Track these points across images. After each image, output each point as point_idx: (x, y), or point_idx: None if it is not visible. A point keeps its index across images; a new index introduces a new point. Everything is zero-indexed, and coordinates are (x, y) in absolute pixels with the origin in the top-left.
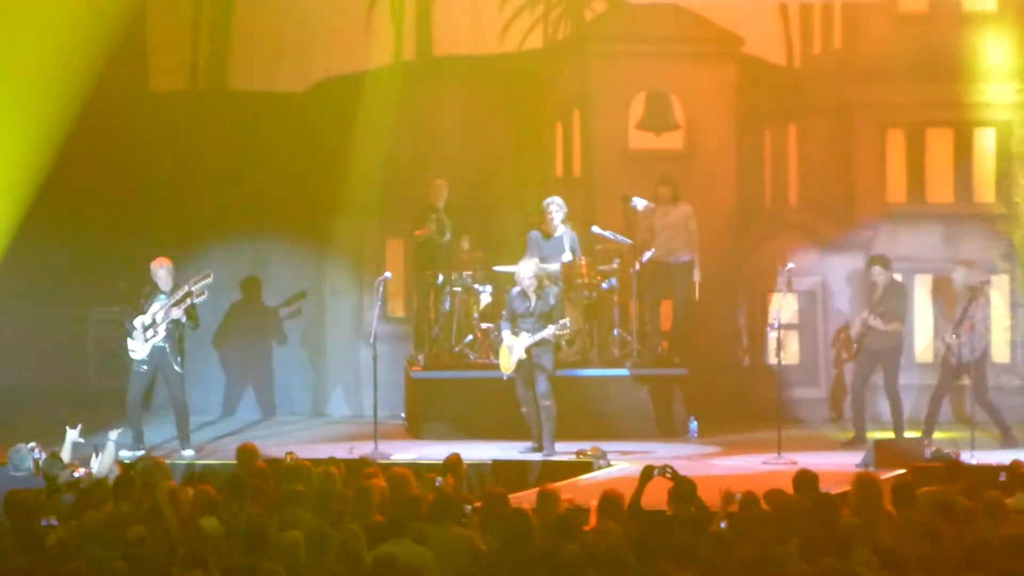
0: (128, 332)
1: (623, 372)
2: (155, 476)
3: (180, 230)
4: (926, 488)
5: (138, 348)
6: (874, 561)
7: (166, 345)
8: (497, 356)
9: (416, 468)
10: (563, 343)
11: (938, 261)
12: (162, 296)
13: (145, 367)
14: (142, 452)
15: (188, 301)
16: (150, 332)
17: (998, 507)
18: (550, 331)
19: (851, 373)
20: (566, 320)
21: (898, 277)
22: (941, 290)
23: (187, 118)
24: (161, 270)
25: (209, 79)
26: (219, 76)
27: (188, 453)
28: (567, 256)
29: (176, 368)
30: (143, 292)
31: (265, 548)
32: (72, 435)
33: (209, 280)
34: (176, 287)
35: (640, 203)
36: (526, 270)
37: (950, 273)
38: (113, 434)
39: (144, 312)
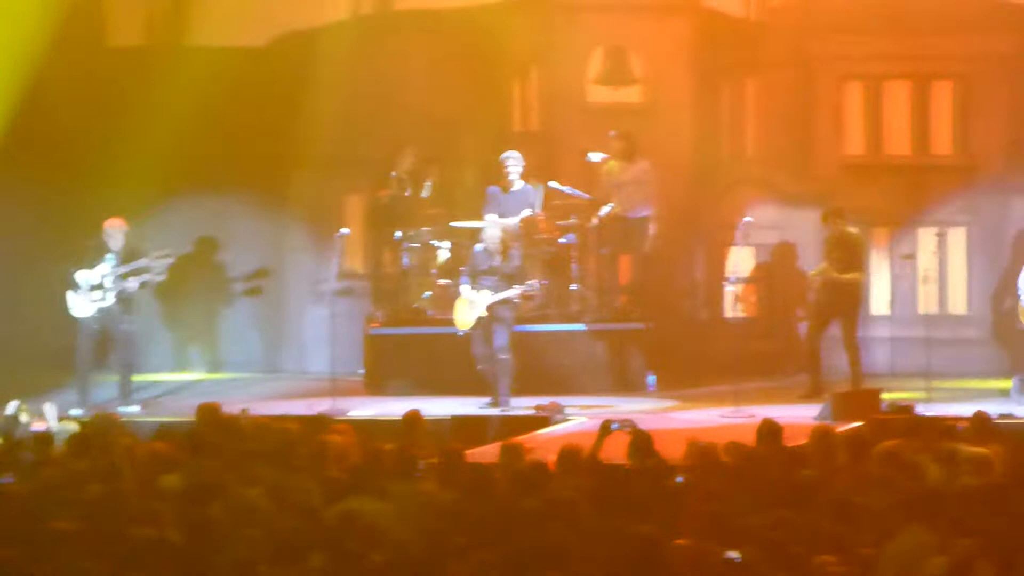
0: (71, 286)
1: (582, 327)
2: (112, 433)
3: (140, 186)
4: (885, 442)
5: (82, 306)
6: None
7: (114, 305)
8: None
9: (375, 425)
10: (526, 298)
11: (896, 213)
12: (110, 256)
13: (94, 325)
14: (87, 411)
15: (146, 276)
16: (97, 294)
17: (951, 458)
18: (517, 291)
19: (809, 325)
20: (535, 281)
21: (854, 229)
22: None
23: (146, 74)
24: (116, 230)
25: (167, 34)
26: (177, 31)
27: (130, 409)
28: (527, 211)
29: (125, 327)
30: (89, 246)
31: (223, 505)
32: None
33: (170, 260)
34: (129, 253)
35: (597, 157)
36: (493, 231)
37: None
38: (48, 407)
39: (88, 268)
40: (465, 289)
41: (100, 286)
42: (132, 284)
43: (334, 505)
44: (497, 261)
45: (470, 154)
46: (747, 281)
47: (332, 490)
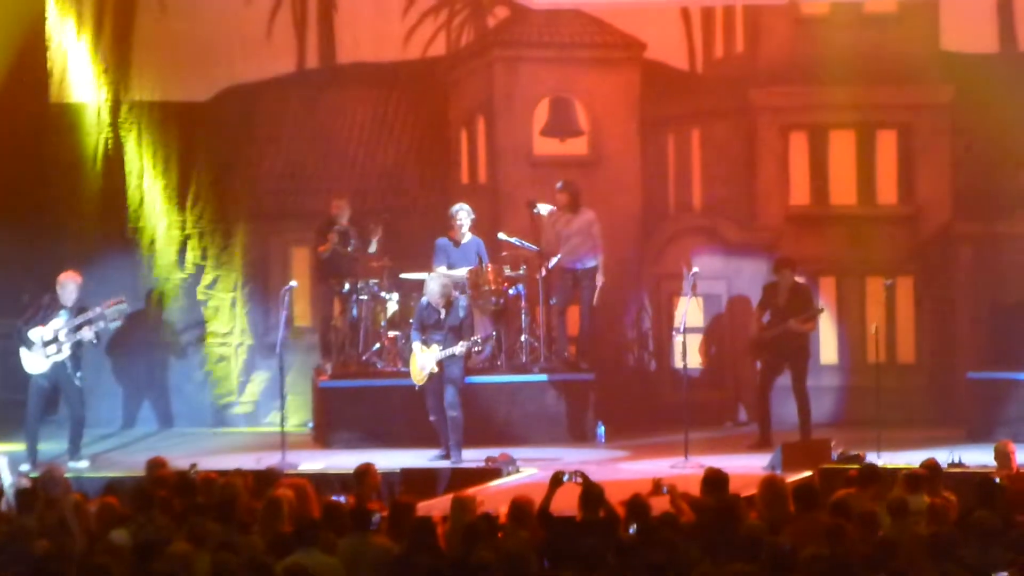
0: (24, 343)
1: (531, 378)
2: (58, 489)
3: (81, 240)
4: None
5: (36, 362)
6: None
7: (66, 360)
8: (406, 364)
9: (326, 478)
10: (473, 353)
11: (842, 263)
12: (64, 312)
13: (44, 381)
14: (35, 467)
15: (101, 325)
16: (52, 348)
17: (902, 508)
18: (462, 348)
19: (758, 375)
20: (478, 338)
21: (800, 279)
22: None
23: (89, 129)
24: (70, 284)
25: (111, 89)
26: (121, 86)
27: (80, 465)
28: (475, 263)
29: (76, 383)
30: (41, 302)
31: (169, 561)
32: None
33: (124, 307)
34: (82, 306)
35: (544, 209)
36: (435, 285)
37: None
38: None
39: (42, 324)
40: (416, 347)
41: (55, 340)
42: (87, 334)
43: (283, 559)
44: (442, 314)
45: (418, 207)
46: (694, 331)
47: (281, 544)
